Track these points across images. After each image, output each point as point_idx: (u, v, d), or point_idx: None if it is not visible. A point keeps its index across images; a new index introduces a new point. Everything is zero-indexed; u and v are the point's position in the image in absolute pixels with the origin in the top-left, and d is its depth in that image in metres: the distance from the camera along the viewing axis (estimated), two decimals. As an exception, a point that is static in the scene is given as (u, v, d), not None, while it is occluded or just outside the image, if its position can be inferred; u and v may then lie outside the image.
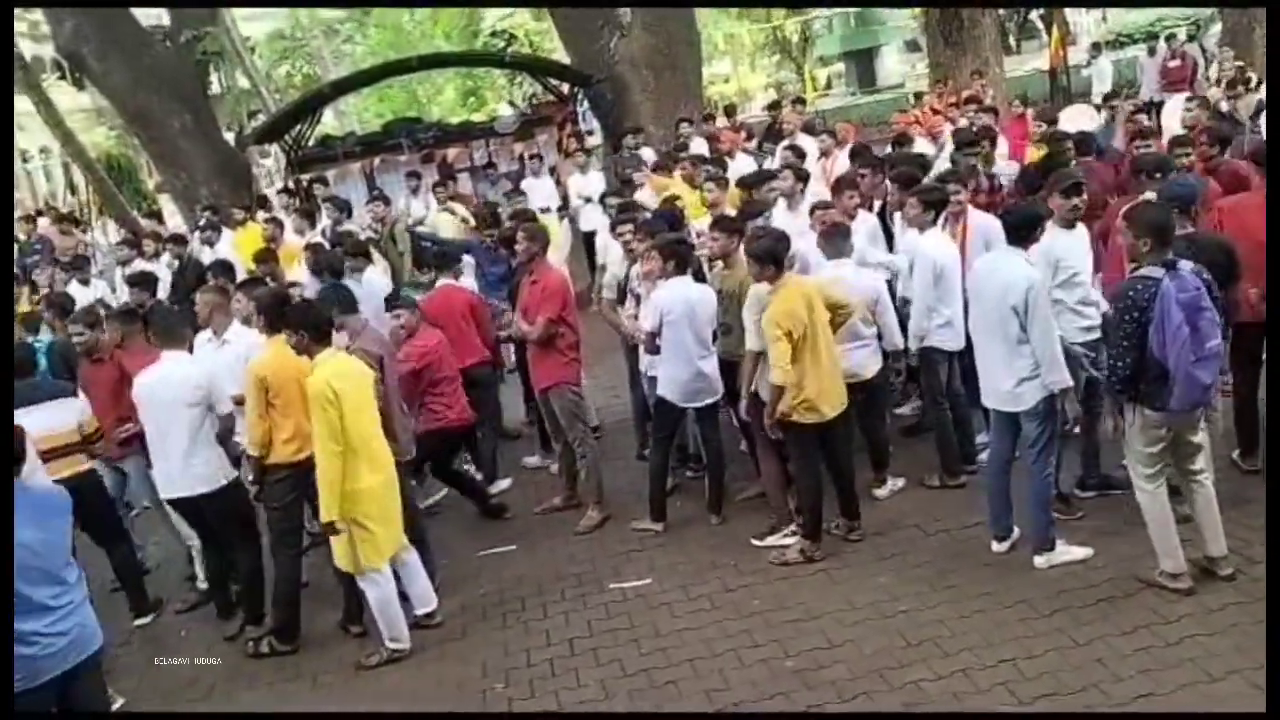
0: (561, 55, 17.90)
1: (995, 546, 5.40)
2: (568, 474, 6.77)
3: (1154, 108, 12.81)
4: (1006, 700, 4.26)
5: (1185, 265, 4.47)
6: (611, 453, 7.38)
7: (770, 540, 5.83)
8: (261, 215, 11.34)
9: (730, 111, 13.43)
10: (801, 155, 9.26)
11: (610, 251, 7.16)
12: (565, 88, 15.10)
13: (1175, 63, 14.29)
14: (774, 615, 5.17)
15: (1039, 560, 5.20)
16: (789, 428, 5.48)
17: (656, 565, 5.89)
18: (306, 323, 5.19)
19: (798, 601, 5.26)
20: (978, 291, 5.25)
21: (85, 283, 10.06)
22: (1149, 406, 4.59)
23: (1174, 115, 10.27)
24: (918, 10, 27.35)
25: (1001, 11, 18.16)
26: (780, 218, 6.91)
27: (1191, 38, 16.08)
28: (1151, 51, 15.33)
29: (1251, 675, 4.11)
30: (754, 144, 11.78)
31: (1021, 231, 5.14)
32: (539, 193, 12.35)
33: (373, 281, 7.96)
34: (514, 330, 6.58)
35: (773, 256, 5.42)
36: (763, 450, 5.95)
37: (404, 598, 5.43)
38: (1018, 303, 4.94)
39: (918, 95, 14.55)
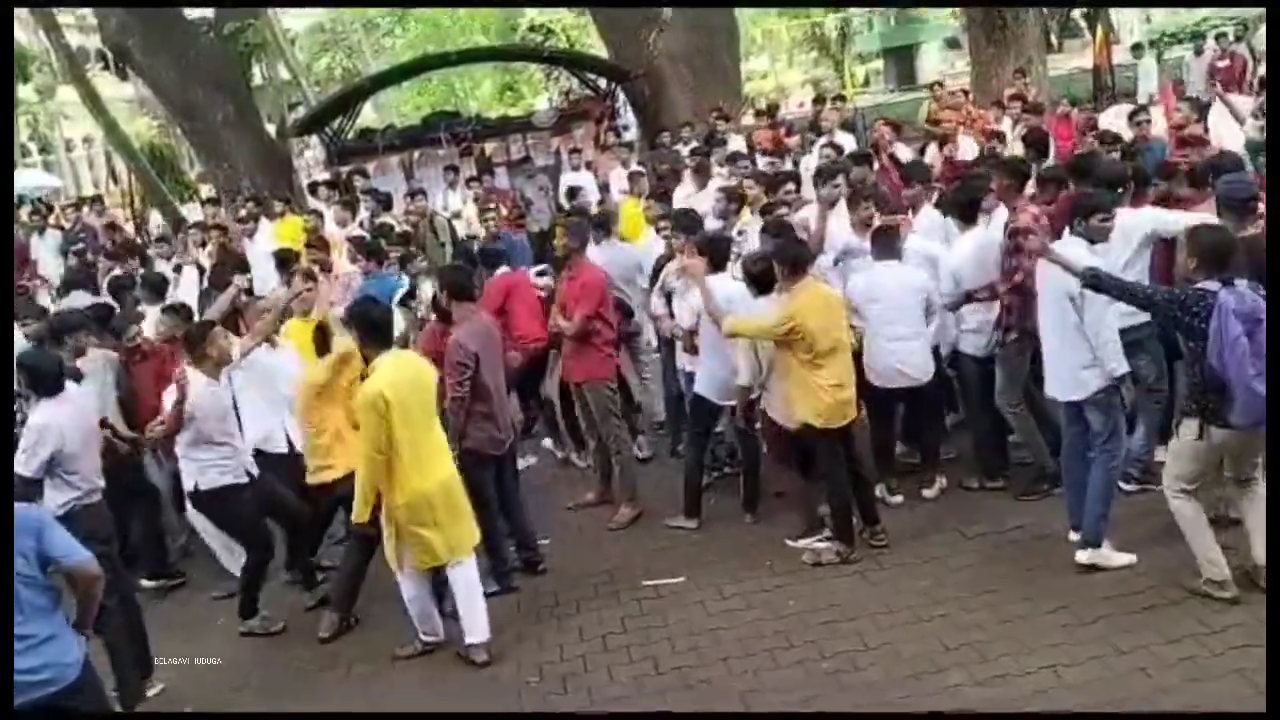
0: (600, 50, 17.91)
1: (1073, 535, 5.29)
2: (601, 470, 6.76)
3: (1202, 109, 12.58)
4: (1046, 708, 4.19)
5: (1242, 282, 4.40)
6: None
7: (804, 542, 5.78)
8: (312, 202, 11.43)
9: (772, 111, 13.33)
10: (840, 152, 9.20)
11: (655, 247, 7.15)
12: (603, 83, 15.09)
13: (1224, 63, 14.04)
14: (809, 616, 5.13)
15: (1081, 555, 5.13)
16: (814, 434, 5.47)
17: (690, 563, 5.86)
18: (363, 322, 5.02)
19: (833, 603, 5.21)
20: (1040, 283, 5.25)
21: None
22: (1215, 423, 4.50)
23: (1224, 116, 10.07)
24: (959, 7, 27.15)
25: (1045, 9, 17.89)
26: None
27: (1239, 38, 15.78)
28: (1198, 51, 15.07)
29: (1301, 689, 4.02)
30: (796, 140, 11.68)
31: (1079, 215, 5.12)
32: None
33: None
34: (551, 324, 6.56)
35: (786, 259, 5.45)
36: (776, 456, 5.93)
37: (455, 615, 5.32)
38: (1074, 291, 4.93)
39: (937, 85, 14.32)
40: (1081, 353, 5.03)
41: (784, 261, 5.47)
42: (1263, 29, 16.78)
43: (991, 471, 6.16)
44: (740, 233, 7.04)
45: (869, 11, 31.98)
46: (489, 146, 14.27)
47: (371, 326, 5.01)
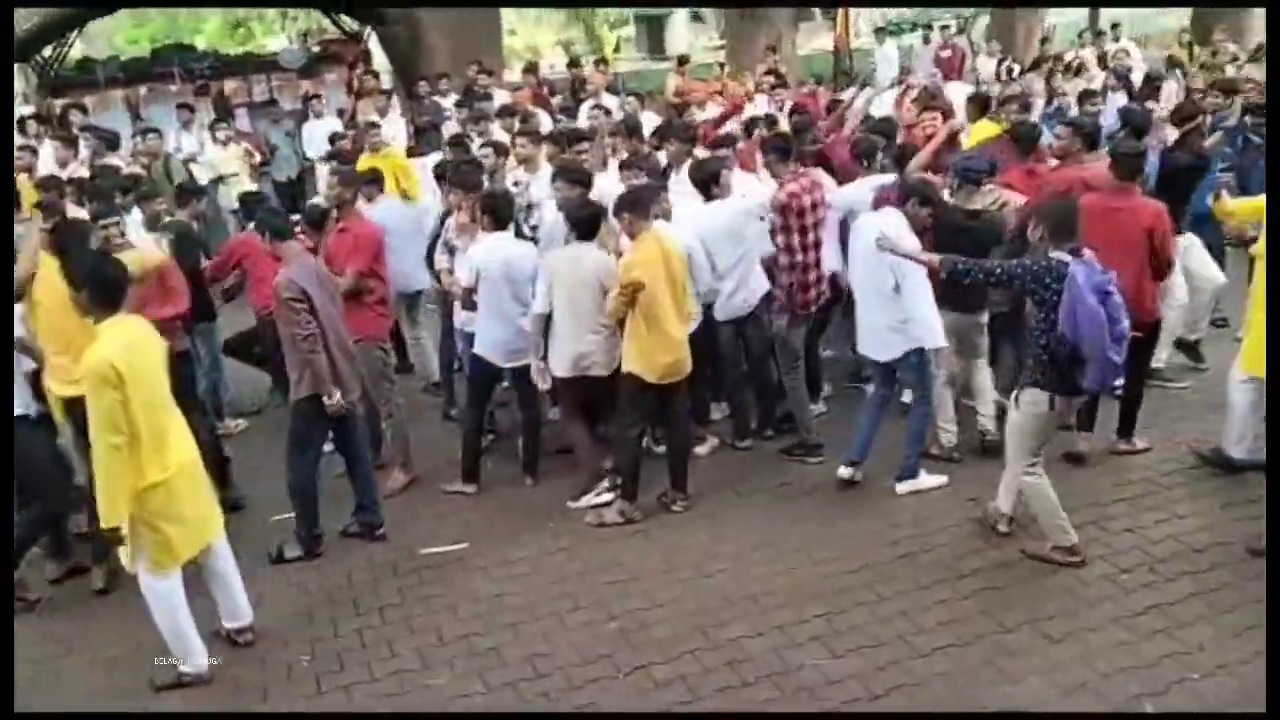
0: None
1: (841, 470, 5.77)
2: (372, 434, 6.43)
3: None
4: (821, 654, 4.41)
5: (1089, 253, 4.64)
6: (416, 413, 7.09)
7: (585, 500, 5.79)
8: (18, 140, 10.12)
9: (534, 69, 13.13)
10: (607, 113, 9.22)
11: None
12: (354, 25, 14.34)
13: (946, 53, 15.20)
14: (594, 577, 5.14)
15: (901, 486, 5.66)
16: (627, 379, 5.47)
17: (471, 529, 5.72)
18: (96, 280, 4.28)
19: (618, 563, 5.25)
20: (854, 247, 5.60)
21: None
22: (1062, 393, 4.72)
23: (958, 96, 10.91)
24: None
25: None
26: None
27: (961, 30, 17.19)
28: (926, 40, 16.25)
29: (1041, 626, 4.47)
30: (559, 100, 11.59)
31: (912, 197, 5.52)
32: (323, 135, 11.77)
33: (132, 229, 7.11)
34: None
35: (627, 204, 5.42)
36: (565, 412, 5.91)
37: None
38: (894, 260, 5.23)
39: (681, 60, 14.67)
40: (892, 316, 5.40)
41: (628, 208, 5.41)
42: (980, 22, 18.42)
43: (754, 431, 6.45)
44: (515, 184, 6.90)
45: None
46: (228, 86, 13.23)
47: (104, 285, 4.29)
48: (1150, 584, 4.71)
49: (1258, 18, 19.50)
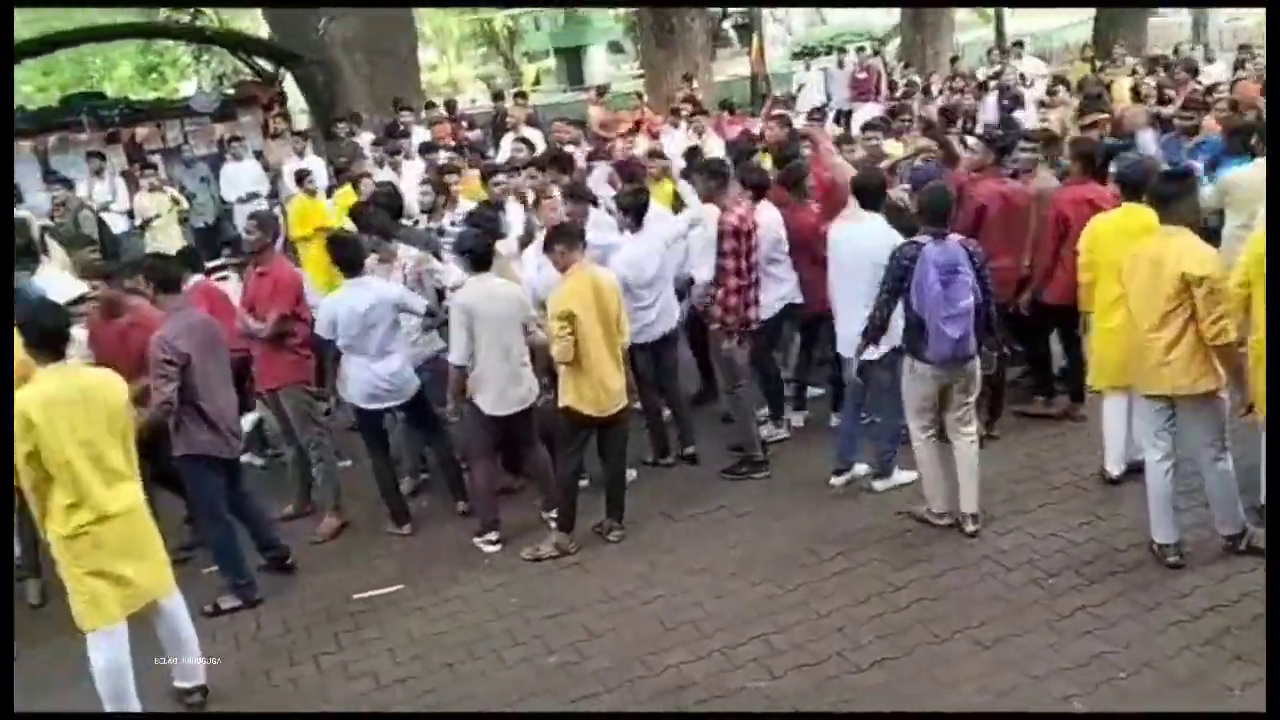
0: (265, 31, 16.83)
1: (833, 480, 5.99)
2: (301, 480, 6.34)
3: (844, 116, 13.93)
4: (761, 676, 4.44)
5: (955, 237, 5.02)
6: (348, 454, 7.00)
7: (478, 540, 5.76)
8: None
9: (451, 107, 13.13)
10: (532, 147, 9.24)
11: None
12: (269, 67, 14.22)
13: (863, 75, 15.55)
14: (532, 611, 5.11)
15: (878, 484, 5.92)
16: (564, 414, 5.47)
17: (406, 569, 5.66)
18: (34, 329, 4.22)
19: (555, 595, 5.23)
20: (839, 255, 5.75)
21: None
22: (918, 359, 5.12)
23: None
24: (624, 12, 28.18)
25: (713, 12, 18.89)
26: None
27: (876, 52, 17.61)
28: (841, 64, 16.59)
29: (974, 634, 4.54)
30: (478, 135, 11.60)
31: (873, 197, 5.70)
32: (243, 178, 11.65)
33: (51, 280, 6.73)
34: (239, 325, 6.03)
35: (564, 238, 5.43)
36: (474, 456, 5.81)
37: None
38: (883, 261, 5.32)
39: (600, 90, 14.85)
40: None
41: (560, 240, 5.43)
42: (893, 43, 18.91)
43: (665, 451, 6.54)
44: (453, 224, 6.88)
45: (534, 10, 32.42)
46: (140, 132, 13.02)
47: (43, 334, 4.22)
48: (1076, 586, 4.81)
49: (1155, 28, 20.41)
